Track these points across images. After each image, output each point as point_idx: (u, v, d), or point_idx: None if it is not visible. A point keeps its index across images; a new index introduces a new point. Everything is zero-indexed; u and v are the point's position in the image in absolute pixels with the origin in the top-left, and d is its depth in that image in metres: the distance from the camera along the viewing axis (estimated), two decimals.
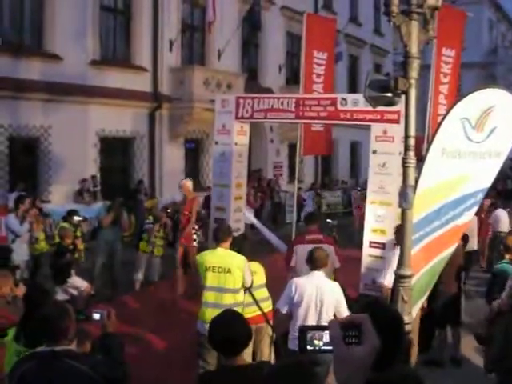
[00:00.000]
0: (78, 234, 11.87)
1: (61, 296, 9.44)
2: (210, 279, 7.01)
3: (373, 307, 2.59)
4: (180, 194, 14.01)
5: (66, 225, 11.32)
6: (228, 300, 6.91)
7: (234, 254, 7.17)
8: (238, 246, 7.47)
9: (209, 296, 7.03)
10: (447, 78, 15.71)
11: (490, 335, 6.12)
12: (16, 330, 5.08)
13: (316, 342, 1.66)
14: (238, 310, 6.55)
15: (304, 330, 1.68)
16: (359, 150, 31.66)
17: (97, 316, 4.27)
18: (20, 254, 10.56)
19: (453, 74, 15.78)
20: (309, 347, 1.67)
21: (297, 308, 6.61)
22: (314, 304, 6.54)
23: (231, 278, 6.94)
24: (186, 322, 7.95)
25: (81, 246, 11.09)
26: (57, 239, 11.00)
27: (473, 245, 12.44)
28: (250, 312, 7.28)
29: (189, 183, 12.16)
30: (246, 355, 6.88)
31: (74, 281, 9.90)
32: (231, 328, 3.90)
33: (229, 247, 7.22)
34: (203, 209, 14.14)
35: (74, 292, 9.82)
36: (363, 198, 19.34)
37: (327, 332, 1.63)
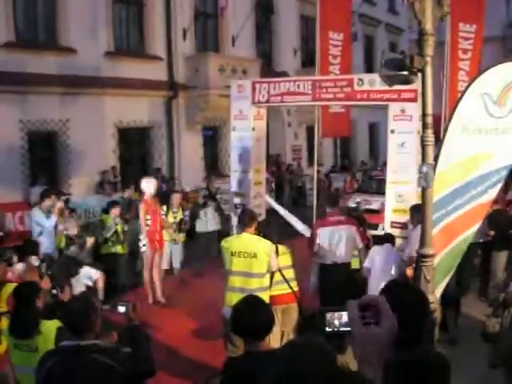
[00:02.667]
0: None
1: (78, 288, 9.48)
2: (236, 264, 7.01)
3: (395, 289, 2.58)
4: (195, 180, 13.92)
5: (106, 217, 11.26)
6: (254, 284, 6.92)
7: (260, 238, 7.17)
8: (263, 231, 7.50)
9: (235, 281, 7.04)
10: (468, 54, 15.42)
11: (497, 330, 5.80)
12: (10, 324, 5.20)
13: (335, 322, 1.66)
14: (264, 294, 6.62)
15: (323, 311, 1.68)
16: (378, 131, 31.44)
17: (122, 309, 4.27)
18: (46, 247, 10.62)
19: (474, 50, 15.49)
20: (327, 329, 1.67)
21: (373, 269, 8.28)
22: (383, 267, 8.11)
23: (257, 263, 6.95)
24: (212, 308, 7.99)
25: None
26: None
27: None
28: (281, 289, 7.45)
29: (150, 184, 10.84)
30: (275, 337, 6.95)
31: (85, 271, 9.90)
32: (253, 314, 3.90)
33: (254, 232, 7.24)
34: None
35: (89, 282, 9.84)
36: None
37: (346, 313, 1.64)
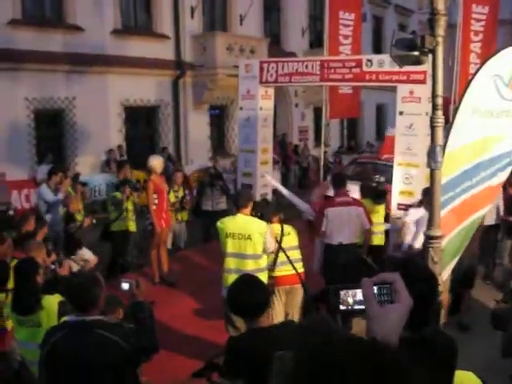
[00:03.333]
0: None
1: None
2: (231, 246, 7.00)
3: (407, 266, 2.56)
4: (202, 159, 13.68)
5: (118, 194, 11.21)
6: (250, 266, 6.90)
7: (255, 219, 7.13)
8: (260, 211, 7.46)
9: (230, 262, 7.04)
10: (479, 36, 15.25)
11: (506, 317, 5.73)
12: (12, 301, 5.25)
13: (349, 300, 1.63)
14: (261, 275, 6.59)
15: (337, 289, 1.64)
16: (385, 112, 31.32)
17: (126, 286, 4.27)
18: (53, 224, 10.62)
19: (486, 32, 15.30)
20: (341, 307, 1.64)
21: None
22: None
23: (251, 244, 6.92)
24: (216, 287, 7.97)
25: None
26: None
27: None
28: (285, 270, 7.40)
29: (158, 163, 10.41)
30: (278, 317, 6.96)
31: (83, 253, 9.79)
32: (248, 291, 3.91)
33: (249, 213, 7.19)
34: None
35: (81, 264, 9.78)
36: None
37: (360, 291, 1.60)
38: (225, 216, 7.85)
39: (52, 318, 4.84)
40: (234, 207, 7.33)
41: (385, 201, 10.15)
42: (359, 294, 1.60)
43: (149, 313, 4.23)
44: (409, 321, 1.62)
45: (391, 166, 11.32)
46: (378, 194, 10.10)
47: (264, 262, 7.09)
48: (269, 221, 7.35)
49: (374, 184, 11.90)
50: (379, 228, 9.62)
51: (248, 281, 4.15)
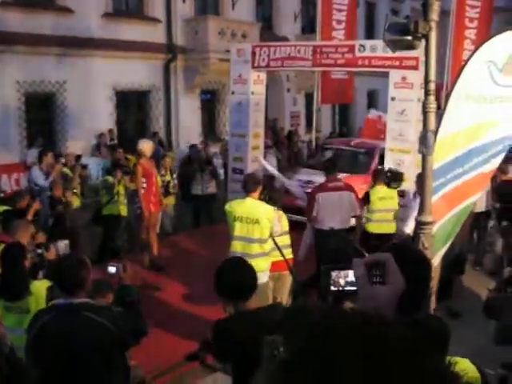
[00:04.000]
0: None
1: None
2: (238, 229, 7.02)
3: (399, 249, 2.53)
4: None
5: (110, 178, 11.12)
6: (255, 250, 6.93)
7: (263, 204, 7.14)
8: (268, 196, 7.44)
9: (237, 246, 7.06)
10: (474, 23, 15.22)
11: (500, 306, 5.65)
12: None
13: (341, 281, 1.60)
14: (265, 259, 6.77)
15: (328, 269, 1.62)
16: (377, 98, 31.24)
17: (112, 269, 4.26)
18: (43, 208, 10.53)
19: (481, 19, 15.26)
20: (332, 288, 1.61)
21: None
22: None
23: (259, 229, 6.94)
24: (207, 272, 7.96)
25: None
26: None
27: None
28: (273, 257, 7.37)
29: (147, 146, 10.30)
30: (266, 302, 6.95)
31: (62, 245, 9.51)
32: (235, 273, 3.90)
33: (257, 197, 7.19)
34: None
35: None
36: None
37: (352, 271, 1.57)
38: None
39: (40, 304, 4.80)
40: (244, 191, 7.27)
41: (400, 185, 9.55)
42: (351, 275, 1.57)
43: (136, 296, 4.22)
44: (401, 304, 1.59)
45: (359, 153, 11.23)
46: (392, 178, 9.55)
47: (268, 246, 7.12)
48: (277, 205, 7.33)
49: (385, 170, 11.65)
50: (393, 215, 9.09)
51: (236, 263, 4.13)
